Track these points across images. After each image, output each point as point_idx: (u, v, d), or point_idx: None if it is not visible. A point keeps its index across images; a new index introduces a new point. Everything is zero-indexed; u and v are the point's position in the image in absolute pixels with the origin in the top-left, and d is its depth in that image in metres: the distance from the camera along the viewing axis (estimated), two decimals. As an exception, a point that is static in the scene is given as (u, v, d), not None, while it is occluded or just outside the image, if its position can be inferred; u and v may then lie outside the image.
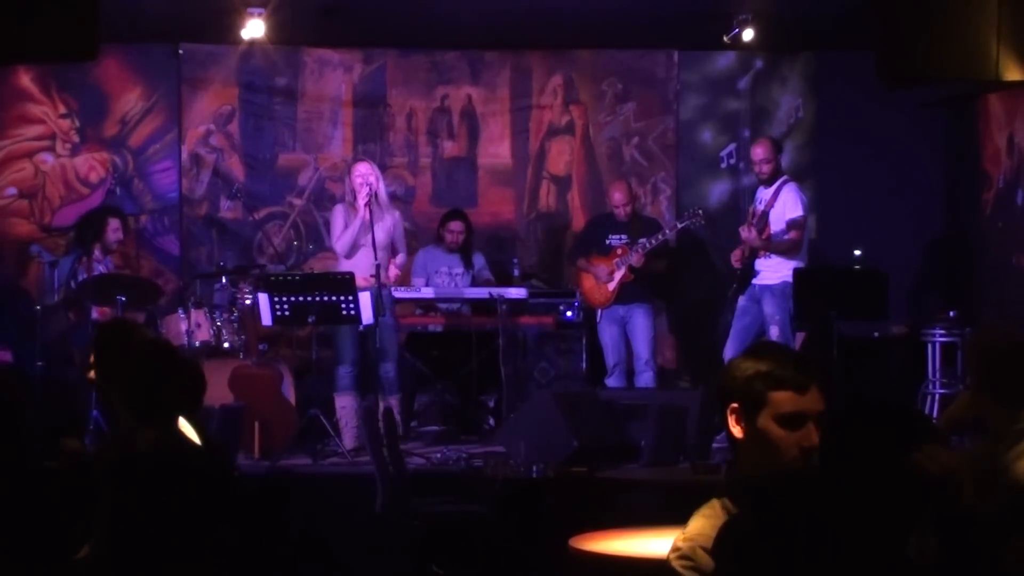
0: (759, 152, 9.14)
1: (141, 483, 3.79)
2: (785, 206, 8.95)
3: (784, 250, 8.91)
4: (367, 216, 8.65)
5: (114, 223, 9.49)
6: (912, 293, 10.43)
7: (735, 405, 2.80)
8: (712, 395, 7.66)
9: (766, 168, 9.08)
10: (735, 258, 9.10)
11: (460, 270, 9.83)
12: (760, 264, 8.98)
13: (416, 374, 9.65)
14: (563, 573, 4.84)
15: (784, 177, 9.11)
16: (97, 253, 9.34)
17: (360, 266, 8.68)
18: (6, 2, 6.73)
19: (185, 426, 4.55)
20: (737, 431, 2.80)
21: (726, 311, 10.85)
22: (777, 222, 8.97)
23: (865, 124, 10.45)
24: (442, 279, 9.79)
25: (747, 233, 8.97)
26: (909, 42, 7.35)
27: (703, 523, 2.76)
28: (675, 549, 2.77)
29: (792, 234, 8.92)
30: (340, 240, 8.88)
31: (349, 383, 8.83)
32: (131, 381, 3.92)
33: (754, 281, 9.01)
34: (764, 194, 9.14)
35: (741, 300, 9.08)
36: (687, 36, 10.35)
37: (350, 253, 8.85)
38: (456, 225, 9.86)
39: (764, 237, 8.95)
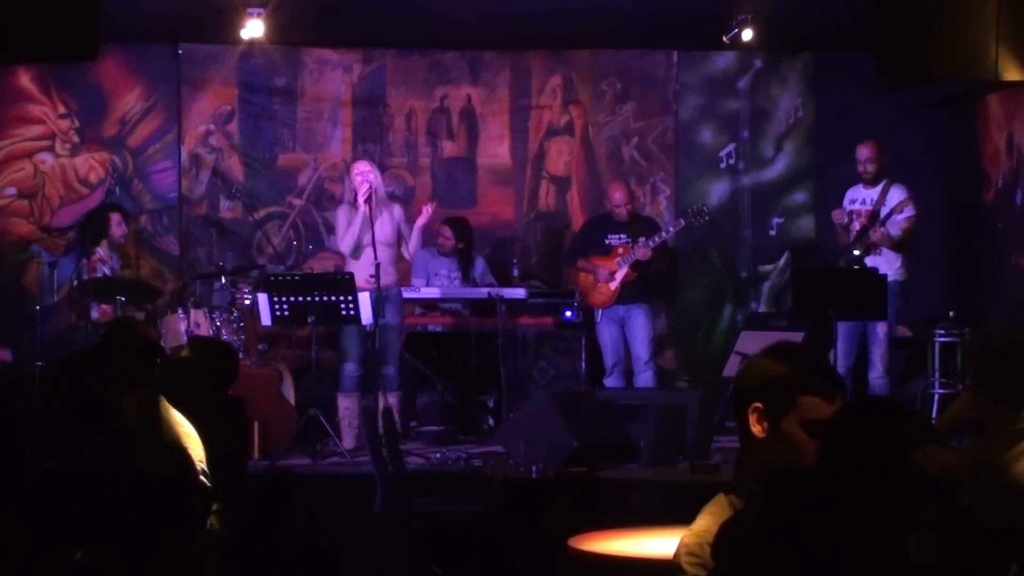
0: (865, 152, 9.18)
1: (88, 492, 3.76)
2: (898, 202, 8.99)
3: (906, 246, 8.97)
4: (367, 212, 8.67)
5: (116, 217, 9.52)
6: (913, 293, 10.42)
7: (759, 405, 2.77)
8: (712, 395, 7.73)
9: (872, 168, 9.13)
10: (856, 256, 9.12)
11: (458, 274, 9.82)
12: (872, 261, 8.96)
13: (416, 374, 9.65)
14: (563, 573, 4.84)
15: (885, 179, 9.15)
16: (103, 252, 9.36)
17: (364, 266, 8.70)
18: (6, 2, 6.74)
19: (185, 425, 4.54)
20: (758, 430, 2.77)
21: (730, 311, 10.88)
22: (890, 220, 9.00)
23: (865, 124, 10.43)
24: (441, 281, 9.79)
25: (877, 234, 8.96)
26: (909, 42, 7.36)
27: (710, 520, 2.76)
28: (683, 545, 2.77)
29: (910, 230, 8.98)
30: (344, 240, 8.91)
31: (353, 383, 8.85)
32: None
33: None
34: (865, 193, 9.16)
35: None
36: (686, 36, 10.35)
37: (355, 252, 8.87)
38: (445, 231, 9.85)
39: (883, 234, 8.96)
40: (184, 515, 3.87)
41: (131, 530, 3.66)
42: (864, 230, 9.06)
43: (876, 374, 8.94)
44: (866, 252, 9.03)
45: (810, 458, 2.72)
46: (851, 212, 9.24)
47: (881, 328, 8.90)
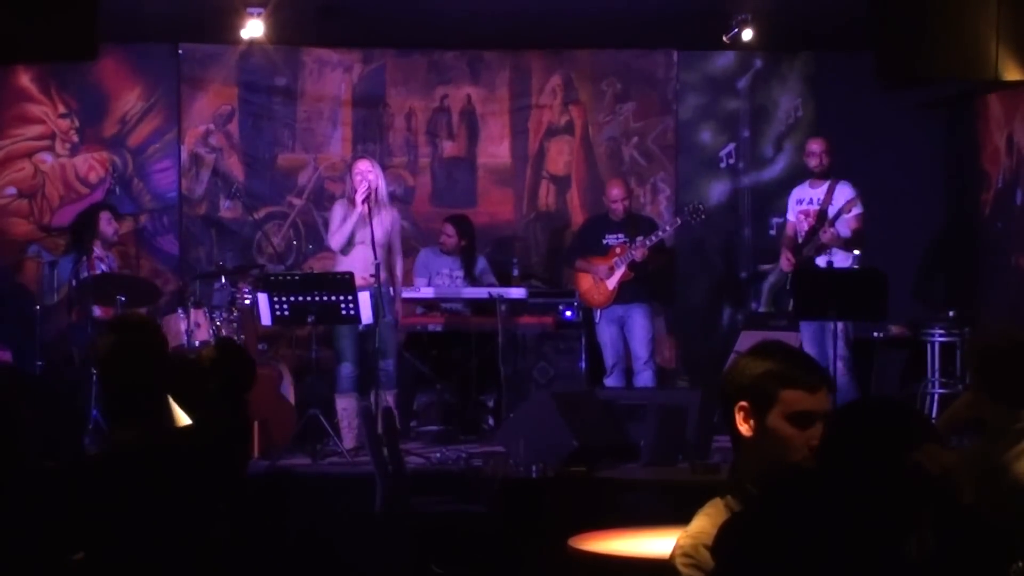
0: (817, 146, 9.19)
1: (117, 481, 3.78)
2: (846, 202, 8.98)
3: (855, 245, 8.95)
4: (364, 211, 8.66)
5: (105, 215, 9.49)
6: (912, 293, 10.43)
7: (744, 403, 2.79)
8: (712, 394, 7.72)
9: (827, 160, 9.13)
10: (787, 263, 9.09)
11: (460, 273, 9.82)
12: (823, 262, 8.95)
13: (416, 374, 9.65)
14: (563, 573, 4.84)
15: (832, 175, 9.15)
16: (99, 250, 9.35)
17: (358, 265, 8.68)
18: (6, 2, 6.74)
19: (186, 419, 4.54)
20: (745, 429, 2.80)
21: (729, 311, 10.88)
22: (839, 219, 8.99)
23: (865, 124, 10.45)
24: (443, 280, 9.79)
25: (827, 236, 8.94)
26: (909, 42, 7.36)
27: (706, 521, 2.77)
28: (678, 547, 2.78)
29: (860, 229, 8.96)
30: (336, 235, 8.88)
31: (350, 384, 8.84)
32: (104, 380, 3.94)
33: None
34: (812, 192, 9.17)
35: None
36: (686, 36, 10.35)
37: (345, 249, 8.85)
38: (448, 229, 9.85)
39: (831, 236, 8.95)
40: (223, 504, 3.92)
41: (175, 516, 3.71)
42: (813, 231, 9.05)
43: (838, 374, 8.90)
44: (817, 253, 9.02)
45: (798, 452, 2.74)
46: (799, 213, 9.23)
47: (830, 326, 8.84)
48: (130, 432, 3.88)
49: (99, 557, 3.75)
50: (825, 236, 8.96)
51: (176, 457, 3.90)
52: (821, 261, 8.95)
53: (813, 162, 9.22)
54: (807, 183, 9.30)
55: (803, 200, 9.25)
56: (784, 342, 2.92)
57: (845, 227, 8.98)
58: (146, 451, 3.84)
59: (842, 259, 8.91)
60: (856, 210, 8.98)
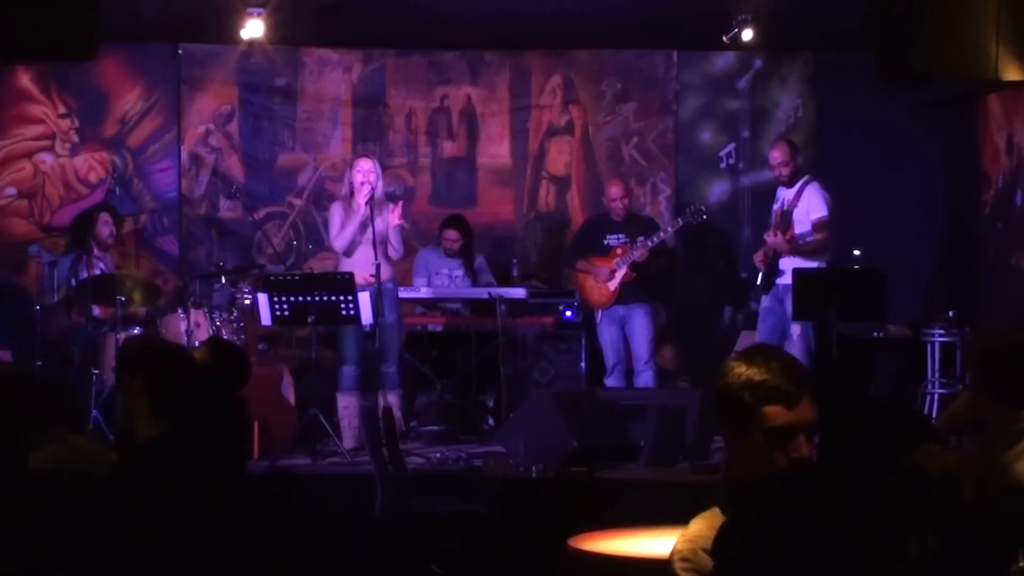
0: (777, 155, 9.06)
1: (137, 477, 3.79)
2: (809, 206, 8.89)
3: (810, 252, 8.85)
4: (367, 213, 8.65)
5: (103, 217, 9.50)
6: (912, 293, 10.42)
7: (727, 414, 2.80)
8: (711, 395, 7.72)
9: (785, 171, 8.99)
10: (758, 259, 9.08)
11: (460, 273, 9.82)
12: (785, 264, 8.91)
13: (416, 374, 9.65)
14: (563, 573, 4.84)
15: (806, 177, 9.05)
16: (96, 251, 9.35)
17: (360, 265, 8.68)
18: (6, 2, 6.74)
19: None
20: (729, 436, 2.80)
21: (730, 311, 10.88)
22: (801, 222, 8.90)
23: (865, 124, 10.45)
24: (442, 280, 9.80)
25: (773, 238, 8.90)
26: (909, 42, 7.37)
27: (703, 524, 2.77)
28: (676, 552, 2.78)
29: (818, 235, 8.85)
30: (339, 238, 8.88)
31: (352, 383, 8.84)
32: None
33: (778, 281, 8.90)
34: (786, 194, 9.06)
35: (765, 301, 9.01)
36: (686, 36, 10.35)
37: (349, 251, 8.85)
38: (452, 234, 9.83)
39: (788, 238, 8.89)
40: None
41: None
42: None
43: None
44: (775, 256, 8.95)
45: (779, 464, 2.73)
46: (774, 213, 9.18)
47: (795, 329, 8.82)
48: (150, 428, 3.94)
49: (101, 559, 3.75)
50: (771, 239, 8.93)
51: (179, 457, 3.91)
52: (784, 264, 8.85)
53: (775, 172, 9.14)
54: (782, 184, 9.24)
55: (778, 200, 9.20)
56: (770, 346, 2.90)
57: (803, 227, 8.89)
58: (147, 452, 3.85)
59: (805, 264, 8.75)
60: (818, 213, 8.85)
